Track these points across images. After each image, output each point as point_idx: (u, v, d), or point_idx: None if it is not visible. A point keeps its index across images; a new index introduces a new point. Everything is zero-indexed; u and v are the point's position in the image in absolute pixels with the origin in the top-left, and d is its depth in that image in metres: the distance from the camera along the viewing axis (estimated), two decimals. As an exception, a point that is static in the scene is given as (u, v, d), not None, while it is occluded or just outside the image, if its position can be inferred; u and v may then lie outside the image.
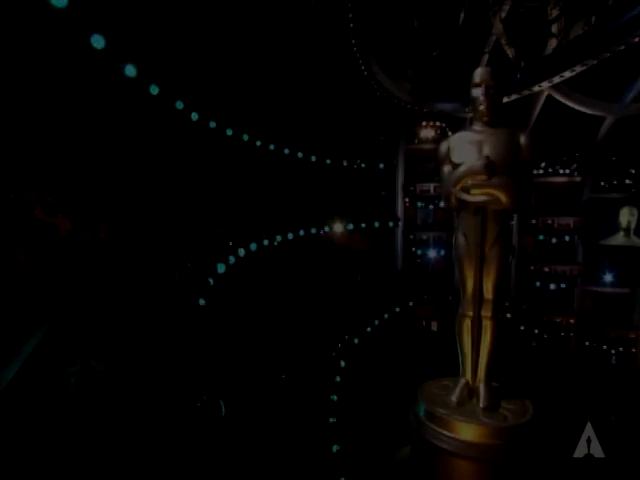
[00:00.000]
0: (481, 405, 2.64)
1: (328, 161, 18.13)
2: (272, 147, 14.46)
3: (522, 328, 21.61)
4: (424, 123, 21.20)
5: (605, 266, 20.46)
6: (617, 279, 20.34)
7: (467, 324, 2.68)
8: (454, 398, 2.72)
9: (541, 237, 20.94)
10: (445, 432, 2.58)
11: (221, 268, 8.38)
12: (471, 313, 2.64)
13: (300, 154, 16.02)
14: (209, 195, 11.31)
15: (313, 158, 16.85)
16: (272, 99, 16.83)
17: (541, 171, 20.78)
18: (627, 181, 19.56)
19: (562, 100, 17.51)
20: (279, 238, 13.42)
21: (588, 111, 17.73)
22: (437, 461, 2.55)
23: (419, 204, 21.66)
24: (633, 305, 19.97)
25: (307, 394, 8.75)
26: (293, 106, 18.00)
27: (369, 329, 16.90)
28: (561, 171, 20.65)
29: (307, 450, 6.84)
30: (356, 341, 15.06)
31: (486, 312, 2.67)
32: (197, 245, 8.32)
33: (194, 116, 10.02)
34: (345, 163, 19.39)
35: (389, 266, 21.95)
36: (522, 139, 2.63)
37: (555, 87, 16.77)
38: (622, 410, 17.03)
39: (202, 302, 6.84)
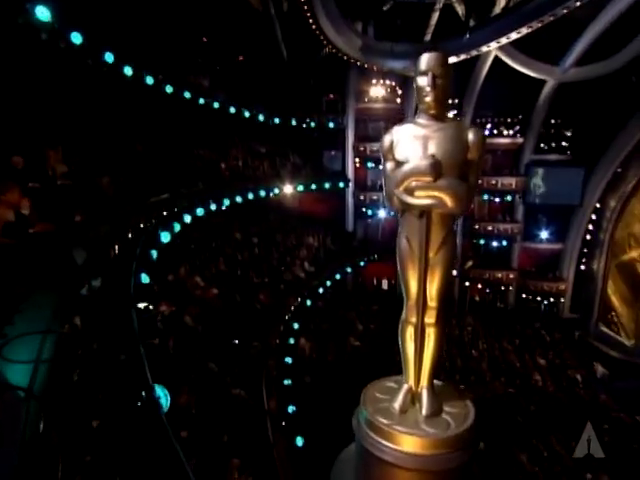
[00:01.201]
0: (423, 412, 2.62)
1: (276, 120, 17.71)
2: (217, 105, 13.86)
3: (467, 284, 23.24)
4: (374, 81, 21.12)
5: (542, 224, 22.15)
6: (552, 236, 22.17)
7: (410, 331, 2.64)
8: (397, 405, 2.67)
9: (485, 197, 22.11)
10: (387, 443, 2.55)
11: (165, 237, 8.11)
12: (414, 319, 2.58)
13: (247, 113, 15.49)
14: (150, 158, 10.81)
15: (261, 117, 16.37)
16: (214, 52, 15.99)
17: (487, 132, 21.65)
18: (564, 143, 20.92)
19: (508, 61, 18.07)
20: (227, 202, 13.21)
21: (531, 73, 18.45)
22: (379, 471, 2.59)
23: (369, 164, 21.93)
24: (564, 259, 21.98)
25: (261, 358, 9.05)
26: (238, 61, 17.23)
27: (321, 290, 17.40)
28: (505, 132, 21.62)
29: (261, 412, 7.20)
30: (309, 303, 15.50)
31: (430, 319, 2.59)
32: (137, 214, 7.95)
33: (128, 70, 9.26)
34: (294, 122, 19.06)
35: (340, 227, 22.41)
36: (471, 135, 2.41)
37: (502, 48, 17.22)
38: (549, 352, 19.18)
39: (145, 279, 6.56)
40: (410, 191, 2.35)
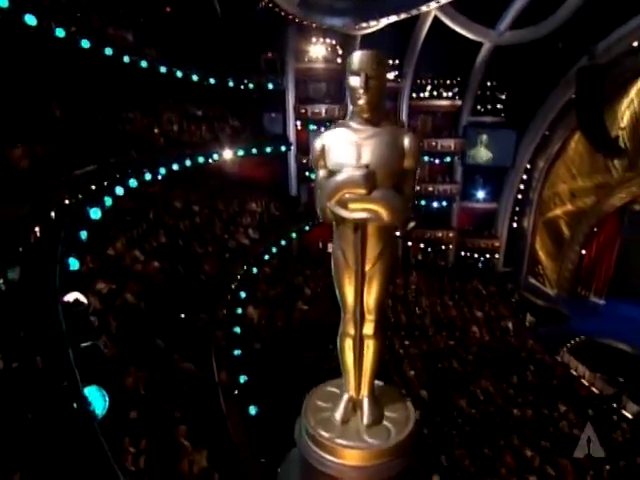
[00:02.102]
0: (365, 422, 2.60)
1: (212, 81, 16.83)
2: (145, 64, 12.87)
3: (409, 244, 24.32)
4: (314, 40, 20.57)
5: (479, 184, 23.42)
6: (488, 196, 23.57)
7: (349, 343, 2.58)
8: (338, 416, 2.63)
9: (426, 159, 22.82)
10: (329, 457, 2.51)
11: (95, 214, 7.50)
12: (352, 332, 2.52)
13: (179, 73, 14.54)
14: (71, 124, 9.94)
15: (195, 77, 15.45)
16: (137, 2, 14.68)
17: (427, 94, 22.11)
18: (499, 106, 21.91)
19: (447, 22, 18.30)
20: (163, 171, 12.59)
21: (469, 35, 18.87)
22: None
23: (311, 127, 21.72)
24: (498, 218, 23.56)
25: (208, 330, 9.05)
26: (165, 13, 15.98)
27: (267, 257, 17.43)
28: (444, 94, 22.18)
29: (212, 384, 7.30)
30: (255, 270, 15.50)
31: (368, 330, 2.53)
32: (60, 189, 7.19)
33: (31, 20, 8.11)
34: (231, 83, 18.23)
35: (284, 192, 22.28)
36: (407, 141, 2.24)
37: (442, 9, 17.38)
38: (485, 304, 20.86)
39: (74, 264, 5.91)
40: (343, 203, 2.19)
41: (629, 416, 13.38)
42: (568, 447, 11.18)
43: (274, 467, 7.16)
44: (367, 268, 2.34)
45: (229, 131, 18.91)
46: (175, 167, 13.58)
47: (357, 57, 2.26)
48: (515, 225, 23.31)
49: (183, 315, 8.83)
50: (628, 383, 15.17)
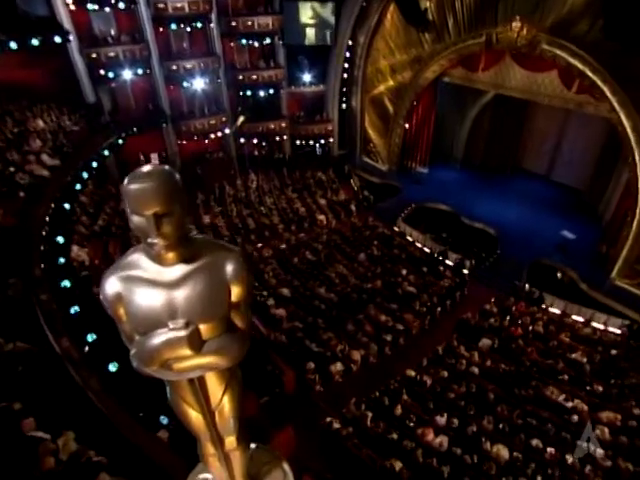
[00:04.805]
0: None
1: None
2: None
3: (242, 141, 23.77)
4: None
5: (304, 66, 23.27)
6: (315, 78, 23.76)
7: (214, 462, 2.44)
8: None
9: (243, 41, 21.41)
10: None
11: None
12: (213, 451, 2.35)
13: None
14: None
15: None
16: None
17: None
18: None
19: None
20: None
21: None
22: None
23: (91, 5, 17.98)
24: (328, 100, 24.30)
25: (27, 294, 7.85)
26: None
27: (79, 186, 15.19)
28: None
29: (55, 356, 6.58)
30: (67, 206, 13.46)
31: (231, 446, 2.36)
32: None
33: None
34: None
35: (77, 99, 18.82)
36: (230, 269, 1.84)
37: None
38: (327, 191, 22.51)
39: None
40: (169, 366, 1.85)
41: (450, 264, 16.85)
42: (409, 303, 13.89)
43: (155, 417, 7.15)
44: (213, 406, 2.14)
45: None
46: None
47: (138, 195, 1.63)
48: (344, 106, 24.44)
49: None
50: (450, 236, 18.81)
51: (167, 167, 1.72)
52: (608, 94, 13.97)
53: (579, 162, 21.76)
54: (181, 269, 1.79)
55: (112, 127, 18.95)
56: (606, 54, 13.58)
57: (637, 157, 13.71)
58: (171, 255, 1.75)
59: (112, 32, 19.33)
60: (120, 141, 19.17)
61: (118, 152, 20.02)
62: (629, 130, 13.72)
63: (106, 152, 17.80)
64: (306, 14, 21.16)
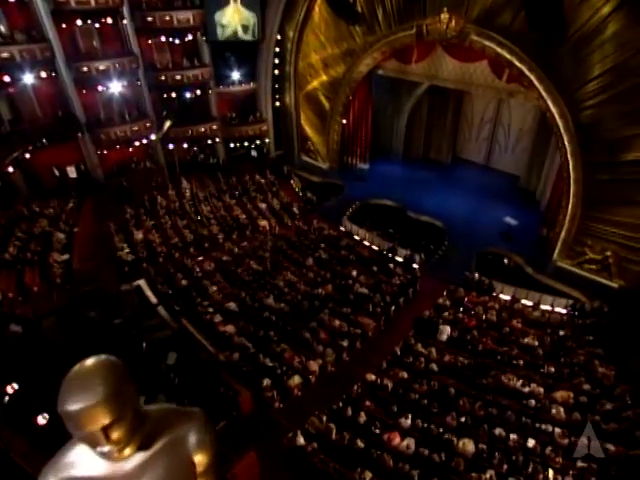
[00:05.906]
0: None
1: None
2: None
3: (171, 147, 23.02)
4: None
5: (232, 64, 22.95)
6: (244, 77, 23.50)
7: None
8: None
9: (163, 39, 20.80)
10: None
11: None
12: None
13: None
14: None
15: None
16: None
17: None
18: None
19: None
20: None
21: None
22: None
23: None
24: (260, 99, 24.14)
25: None
26: None
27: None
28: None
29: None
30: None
31: None
32: None
33: None
34: None
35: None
36: (193, 440, 1.78)
37: None
38: (267, 194, 22.32)
39: None
40: None
41: (400, 260, 17.30)
42: (362, 305, 14.11)
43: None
44: None
45: None
46: None
47: (78, 414, 1.44)
48: (278, 104, 24.39)
49: None
50: (397, 232, 19.32)
51: (104, 361, 1.55)
52: (535, 82, 14.93)
53: (514, 149, 23.18)
54: (138, 458, 1.67)
55: (15, 139, 17.65)
56: (531, 44, 14.50)
57: (566, 142, 14.78)
58: (127, 452, 1.63)
59: (2, 29, 17.86)
60: (27, 155, 17.93)
61: (25, 167, 18.72)
62: (557, 116, 14.76)
63: (10, 169, 16.55)
64: (228, 8, 20.86)
